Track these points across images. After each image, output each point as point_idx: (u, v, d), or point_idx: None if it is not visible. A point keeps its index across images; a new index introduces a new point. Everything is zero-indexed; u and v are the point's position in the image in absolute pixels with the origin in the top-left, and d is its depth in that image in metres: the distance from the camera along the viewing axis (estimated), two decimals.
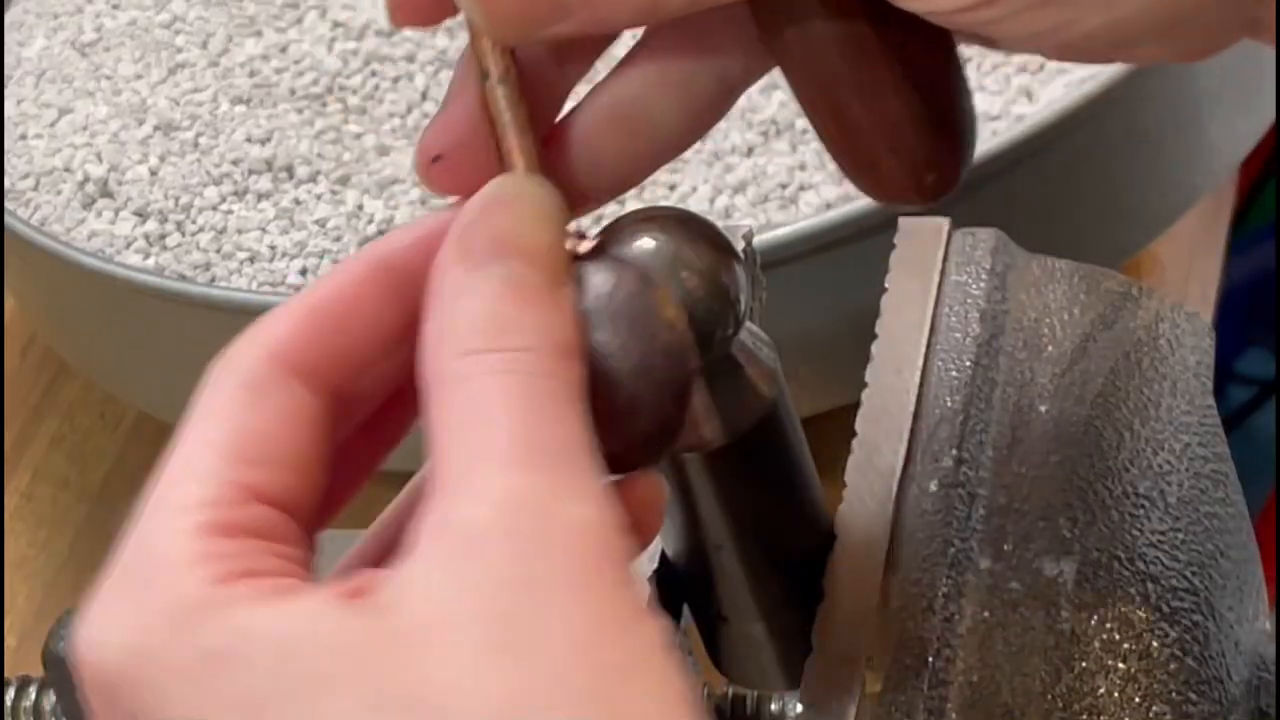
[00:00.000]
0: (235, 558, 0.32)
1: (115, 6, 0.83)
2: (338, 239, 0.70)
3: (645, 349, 0.34)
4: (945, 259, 0.50)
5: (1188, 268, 0.79)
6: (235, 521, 0.33)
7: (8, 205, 0.75)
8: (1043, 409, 0.46)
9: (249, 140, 0.74)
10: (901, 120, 0.36)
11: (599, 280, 0.35)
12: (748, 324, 0.38)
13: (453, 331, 0.34)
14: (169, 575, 0.33)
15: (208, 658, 0.31)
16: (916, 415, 0.46)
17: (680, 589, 0.43)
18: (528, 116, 0.36)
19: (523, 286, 0.34)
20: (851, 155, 0.37)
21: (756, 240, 0.59)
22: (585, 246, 0.36)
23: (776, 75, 0.73)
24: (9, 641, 0.73)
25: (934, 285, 0.49)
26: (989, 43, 0.36)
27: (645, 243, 0.36)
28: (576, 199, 0.37)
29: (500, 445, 0.32)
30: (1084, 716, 0.42)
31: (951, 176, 0.37)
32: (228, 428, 0.34)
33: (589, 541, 0.31)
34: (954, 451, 0.45)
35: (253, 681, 0.31)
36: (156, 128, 0.76)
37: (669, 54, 0.38)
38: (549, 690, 0.30)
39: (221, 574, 0.32)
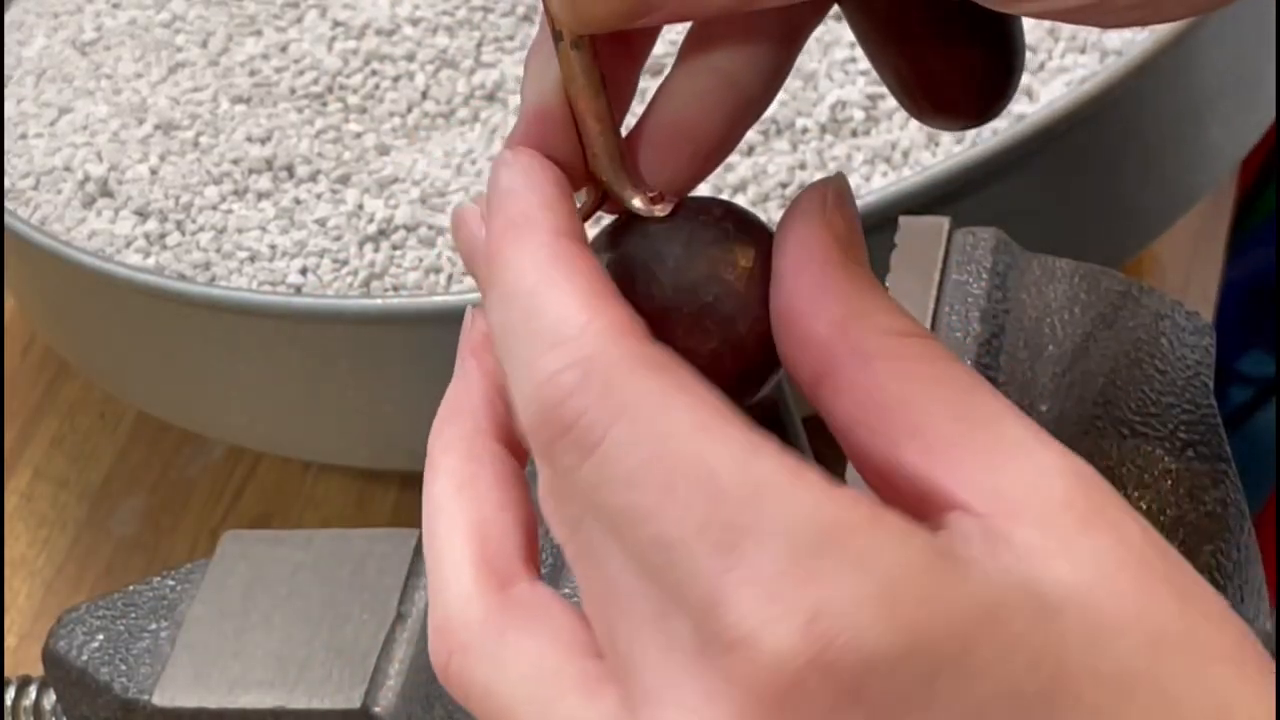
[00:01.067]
0: (879, 505, 0.31)
1: (115, 6, 0.82)
2: (338, 238, 0.70)
3: (720, 292, 0.35)
4: (946, 258, 0.50)
5: (1188, 267, 0.79)
6: (826, 474, 0.32)
7: (8, 205, 0.75)
8: (1043, 408, 0.46)
9: (249, 139, 0.74)
10: (974, 63, 0.37)
11: (699, 211, 0.36)
12: None
13: (870, 314, 0.34)
14: (869, 538, 0.30)
15: (972, 624, 0.30)
16: None
17: None
18: (602, 80, 0.36)
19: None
20: (925, 97, 0.38)
21: None
22: (662, 210, 0.37)
23: None
24: (9, 641, 0.73)
25: (935, 284, 0.49)
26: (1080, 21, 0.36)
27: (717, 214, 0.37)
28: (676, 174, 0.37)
29: (1020, 426, 0.32)
30: None
31: (1008, 99, 0.38)
32: (709, 409, 0.32)
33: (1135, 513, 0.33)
34: None
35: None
36: (157, 127, 0.76)
37: (739, 17, 0.37)
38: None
39: (901, 524, 0.31)
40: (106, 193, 0.74)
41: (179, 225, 0.72)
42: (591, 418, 0.31)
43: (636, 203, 0.36)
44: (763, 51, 0.37)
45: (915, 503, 0.33)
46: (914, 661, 0.29)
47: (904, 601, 0.29)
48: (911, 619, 0.29)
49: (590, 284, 0.33)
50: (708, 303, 0.36)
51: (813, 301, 0.34)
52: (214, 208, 0.72)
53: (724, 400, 0.31)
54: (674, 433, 0.31)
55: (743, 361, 0.36)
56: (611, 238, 0.37)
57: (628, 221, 0.37)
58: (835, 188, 0.36)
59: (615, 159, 0.37)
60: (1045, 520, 0.31)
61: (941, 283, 0.49)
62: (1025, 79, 0.69)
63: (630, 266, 0.36)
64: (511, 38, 0.76)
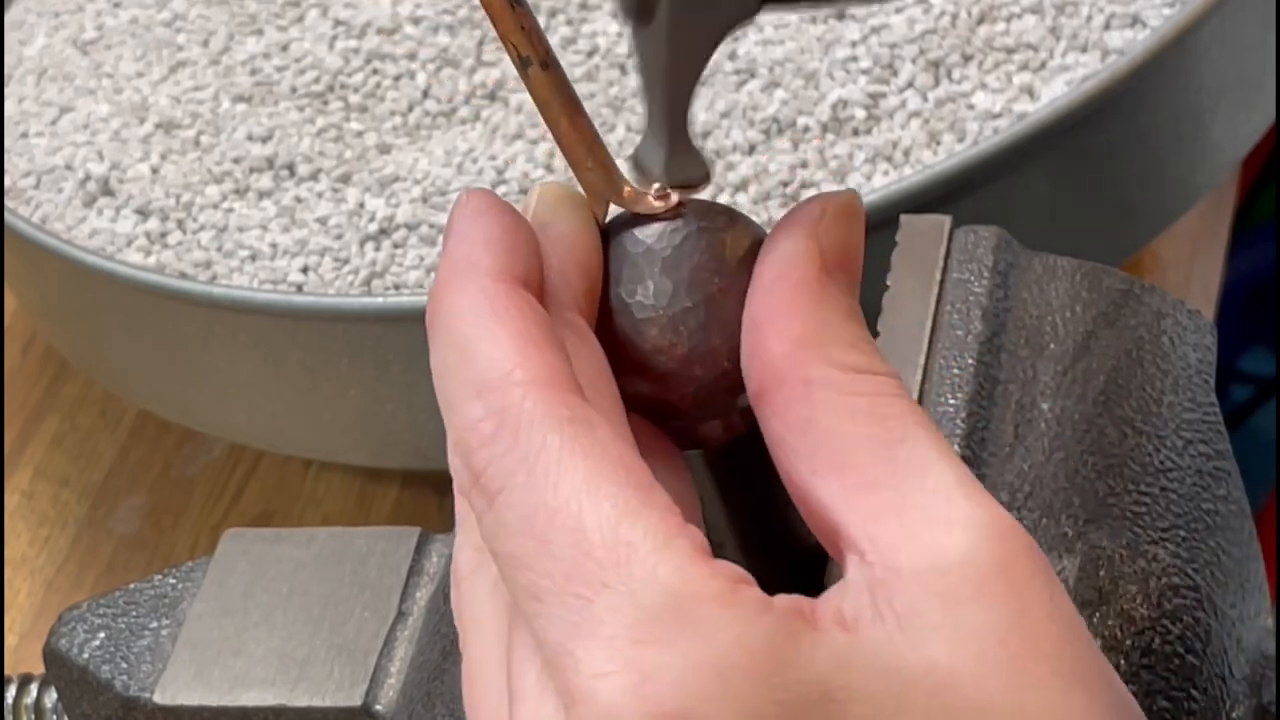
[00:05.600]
0: (742, 581, 0.31)
1: (116, 5, 0.83)
2: (339, 237, 0.70)
3: (700, 299, 0.36)
4: (947, 256, 0.50)
5: (1189, 266, 0.79)
6: (700, 544, 0.32)
7: (9, 204, 0.75)
8: (1045, 406, 0.46)
9: (250, 138, 0.74)
10: None
11: (701, 213, 0.36)
12: None
13: (825, 342, 0.34)
14: (715, 612, 0.31)
15: (804, 705, 0.30)
16: None
17: None
18: (575, 95, 0.36)
19: (858, 305, 0.35)
20: None
21: None
22: (673, 201, 0.37)
23: (779, 73, 0.73)
24: (10, 639, 0.73)
25: (936, 283, 0.49)
26: None
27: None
28: None
29: (946, 476, 0.32)
30: None
31: None
32: (608, 464, 0.32)
33: (1054, 578, 0.32)
34: (955, 449, 0.45)
35: None
36: (158, 126, 0.76)
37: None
38: None
39: (757, 602, 0.31)
40: (108, 191, 0.74)
41: (180, 224, 0.72)
42: (497, 467, 0.32)
43: (642, 204, 0.37)
44: None
45: (829, 533, 0.33)
46: None
47: (737, 677, 0.30)
48: (742, 695, 0.30)
49: (521, 331, 0.33)
50: (686, 308, 0.36)
51: (775, 314, 0.34)
52: (215, 206, 0.72)
53: (629, 458, 0.32)
54: (561, 488, 0.32)
55: (712, 370, 0.36)
56: (614, 231, 0.37)
57: (631, 218, 0.37)
58: (838, 203, 0.36)
59: (609, 169, 0.37)
60: (937, 581, 0.31)
61: (943, 281, 0.49)
62: (1027, 77, 0.69)
63: (622, 263, 0.36)
64: None
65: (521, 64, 0.35)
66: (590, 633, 0.31)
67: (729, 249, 0.36)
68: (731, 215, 0.37)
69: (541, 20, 0.75)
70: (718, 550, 0.41)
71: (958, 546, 0.31)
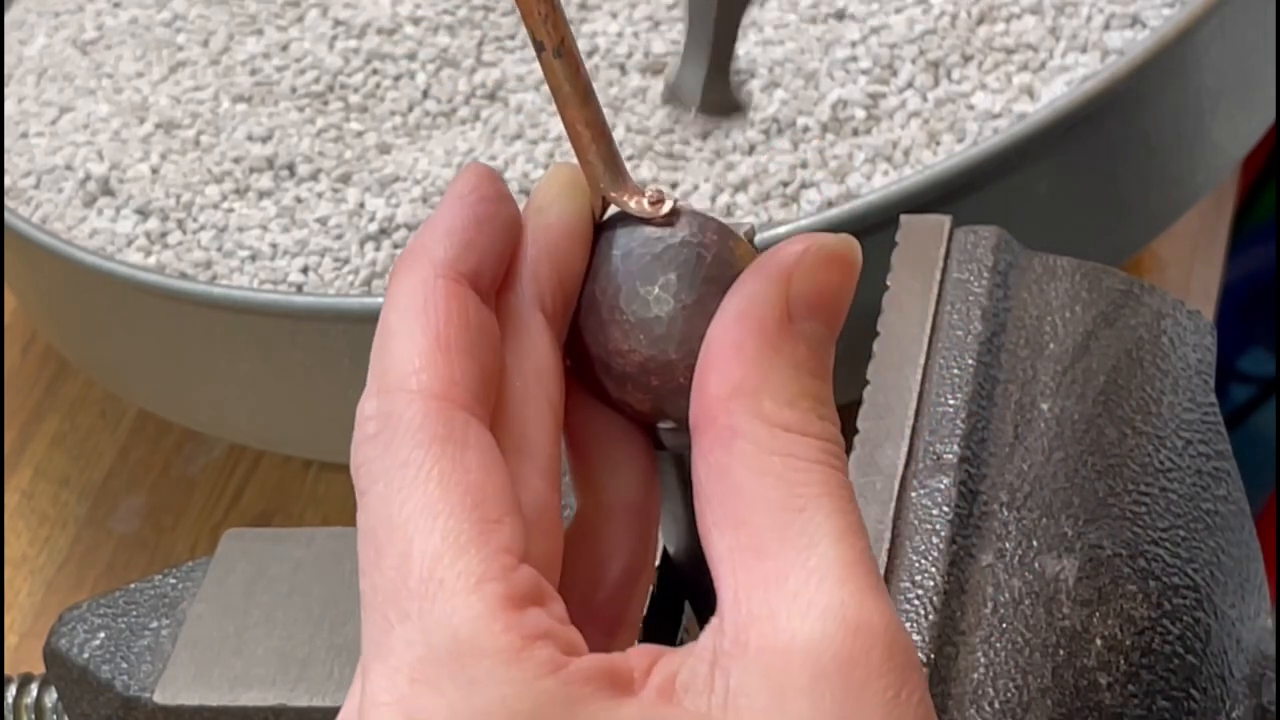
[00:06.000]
0: (541, 638, 0.31)
1: (116, 5, 0.83)
2: (339, 237, 0.70)
3: (668, 313, 0.35)
4: (947, 256, 0.50)
5: (1189, 266, 0.79)
6: (518, 592, 0.31)
7: (9, 203, 0.75)
8: (1044, 406, 0.46)
9: (250, 138, 0.74)
10: None
11: (692, 227, 0.36)
12: None
13: (760, 393, 0.33)
14: (493, 668, 0.31)
15: None
16: (918, 413, 0.46)
17: (681, 587, 0.44)
18: (587, 86, 0.36)
19: (823, 355, 0.34)
20: None
21: (758, 238, 0.58)
22: (665, 208, 0.36)
23: (779, 73, 0.73)
24: (10, 639, 0.73)
25: (936, 283, 0.49)
26: None
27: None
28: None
29: (830, 556, 0.31)
30: (1086, 713, 0.42)
31: None
32: (458, 492, 0.32)
33: (909, 675, 0.31)
34: (955, 449, 0.45)
35: None
36: (158, 126, 0.76)
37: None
38: None
39: (544, 663, 0.31)
40: (108, 191, 0.74)
41: (180, 224, 0.72)
42: (367, 469, 0.33)
43: (635, 205, 0.36)
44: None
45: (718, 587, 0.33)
46: None
47: None
48: None
49: (438, 333, 0.33)
50: (649, 318, 0.36)
51: (721, 355, 0.34)
52: (215, 206, 0.72)
53: (488, 488, 0.32)
54: (404, 508, 0.32)
55: (668, 383, 0.36)
56: (605, 228, 0.37)
57: (625, 217, 0.37)
58: (823, 247, 0.35)
59: (611, 164, 0.36)
60: (776, 664, 0.31)
61: (943, 281, 0.49)
62: (1027, 77, 0.69)
63: (602, 261, 0.36)
64: (512, 37, 0.76)
65: (536, 49, 0.36)
66: (383, 658, 0.31)
67: (708, 268, 0.36)
68: (723, 233, 0.36)
69: None
70: None
71: (808, 633, 0.31)
